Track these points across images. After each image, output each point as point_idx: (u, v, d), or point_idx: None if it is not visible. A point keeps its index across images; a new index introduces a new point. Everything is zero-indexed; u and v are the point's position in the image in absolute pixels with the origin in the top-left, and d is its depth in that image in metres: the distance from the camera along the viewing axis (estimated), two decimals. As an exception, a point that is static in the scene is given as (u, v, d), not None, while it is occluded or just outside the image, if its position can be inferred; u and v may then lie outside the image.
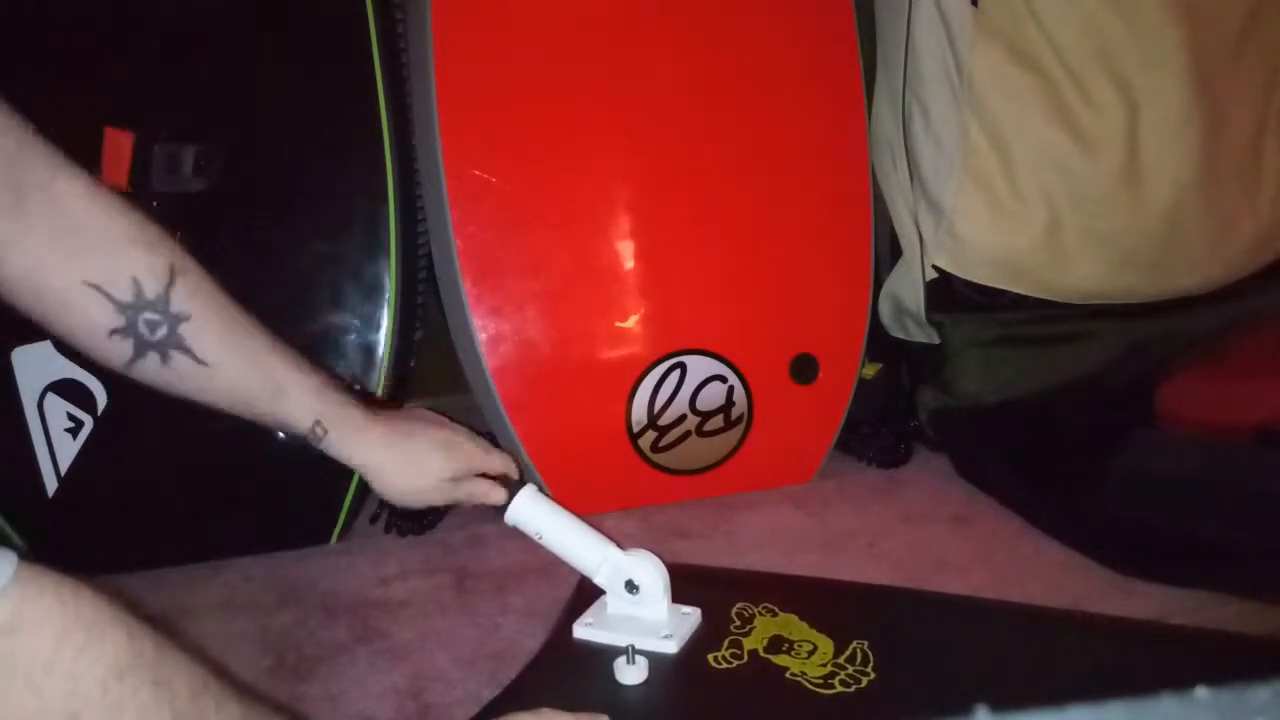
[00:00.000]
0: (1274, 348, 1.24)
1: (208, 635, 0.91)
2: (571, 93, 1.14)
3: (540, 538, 0.80)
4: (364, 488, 1.09)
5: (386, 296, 1.08)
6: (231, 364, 0.69)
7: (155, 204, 0.93)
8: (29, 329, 0.98)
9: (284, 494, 1.07)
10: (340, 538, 1.09)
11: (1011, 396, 1.24)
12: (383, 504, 1.13)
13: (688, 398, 1.15)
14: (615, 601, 0.79)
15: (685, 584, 0.79)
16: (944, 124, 1.21)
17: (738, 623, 0.78)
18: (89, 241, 0.62)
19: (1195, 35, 1.20)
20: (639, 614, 0.77)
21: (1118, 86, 1.19)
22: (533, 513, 0.79)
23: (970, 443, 1.25)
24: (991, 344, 1.26)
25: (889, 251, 1.31)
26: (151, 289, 0.65)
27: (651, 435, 1.14)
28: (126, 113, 1.03)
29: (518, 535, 1.09)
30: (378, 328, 1.08)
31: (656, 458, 1.15)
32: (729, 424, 1.17)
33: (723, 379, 1.16)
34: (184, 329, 0.67)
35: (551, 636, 0.80)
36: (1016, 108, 1.20)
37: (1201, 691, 0.24)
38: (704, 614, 0.78)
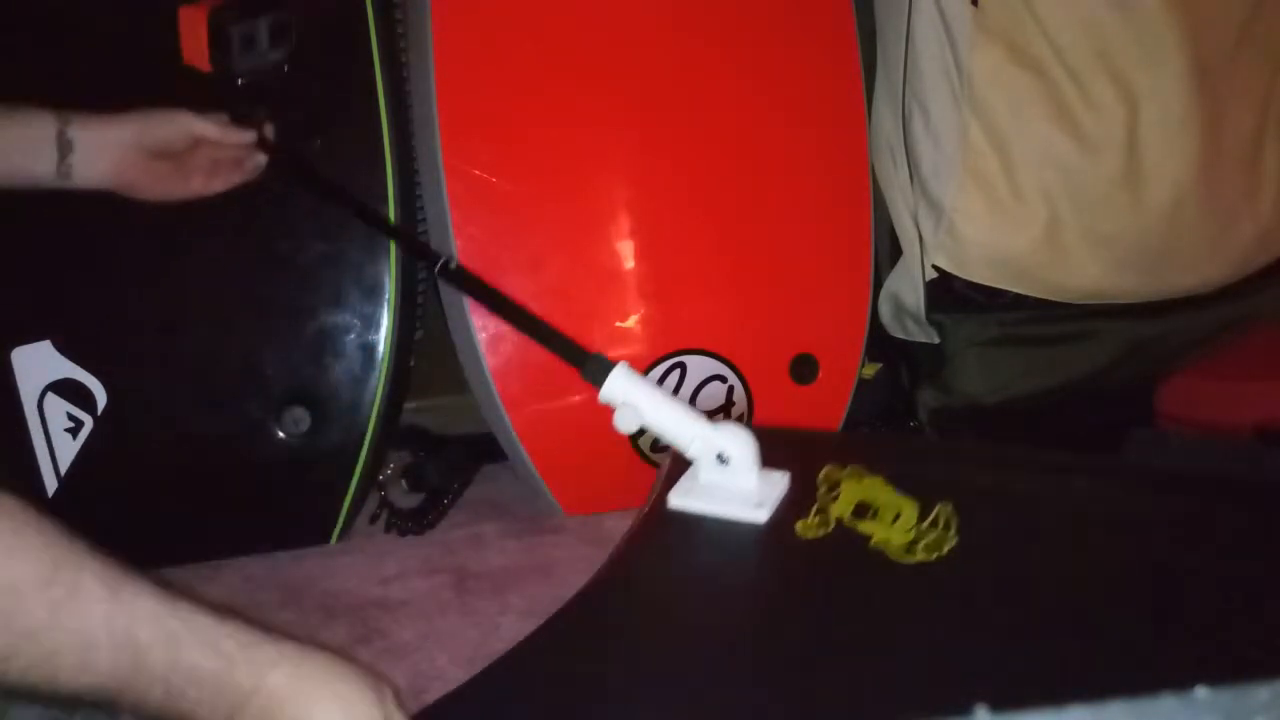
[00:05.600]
0: (1274, 348, 1.24)
1: (207, 635, 0.91)
2: (571, 93, 1.14)
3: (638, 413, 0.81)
4: (364, 488, 1.09)
5: (386, 296, 1.08)
6: None
7: (240, 82, 0.94)
8: (29, 328, 0.99)
9: (284, 494, 1.07)
10: (340, 538, 1.09)
11: (1011, 396, 1.24)
12: (382, 504, 1.13)
13: (687, 398, 1.15)
14: (707, 472, 0.80)
15: (775, 448, 0.80)
16: (944, 124, 1.21)
17: (825, 488, 0.79)
18: None
19: (1195, 35, 1.19)
20: (730, 483, 0.79)
21: (1118, 86, 1.19)
22: (627, 389, 0.81)
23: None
24: (991, 344, 1.25)
25: (889, 251, 1.31)
26: None
27: (652, 435, 1.14)
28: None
29: (518, 535, 1.10)
30: (378, 328, 1.08)
31: (657, 457, 1.15)
32: (729, 424, 1.17)
33: (722, 379, 1.16)
34: None
35: (649, 508, 0.82)
36: (1016, 108, 1.19)
37: (1201, 691, 0.24)
38: (792, 478, 0.80)
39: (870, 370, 1.31)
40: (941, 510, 0.74)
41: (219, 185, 0.93)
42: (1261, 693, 0.25)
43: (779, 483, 0.80)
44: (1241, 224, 1.27)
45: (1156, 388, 1.18)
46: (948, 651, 0.62)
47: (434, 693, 0.81)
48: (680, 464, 0.84)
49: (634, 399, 0.81)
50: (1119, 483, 0.85)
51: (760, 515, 0.76)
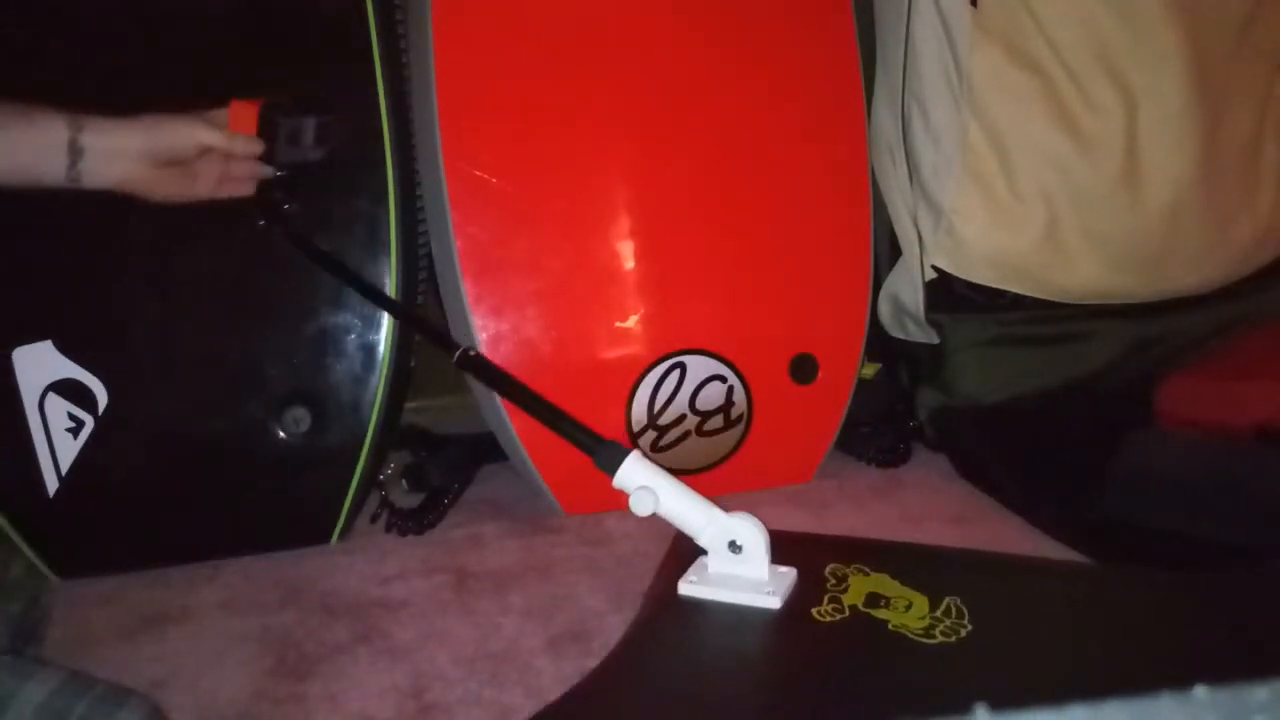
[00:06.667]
0: (1274, 348, 1.24)
1: (208, 635, 0.91)
2: (572, 93, 1.14)
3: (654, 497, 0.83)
4: (364, 488, 1.09)
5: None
6: None
7: (279, 174, 0.98)
8: (29, 329, 0.99)
9: (284, 494, 1.07)
10: (340, 538, 1.09)
11: (1011, 396, 1.24)
12: (383, 504, 1.13)
13: (687, 398, 1.15)
14: (717, 561, 0.83)
15: (778, 548, 0.83)
16: (943, 124, 1.21)
17: (833, 581, 0.82)
18: None
19: (1194, 35, 1.20)
20: (740, 572, 0.82)
21: (1117, 86, 1.19)
22: (642, 476, 0.83)
23: (970, 443, 1.24)
24: (991, 344, 1.26)
25: (889, 251, 1.31)
26: None
27: (651, 435, 1.14)
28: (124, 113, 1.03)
29: (518, 535, 1.10)
30: (378, 328, 1.08)
31: (656, 457, 1.14)
32: (729, 424, 1.17)
33: (722, 379, 1.16)
34: None
35: (653, 594, 0.84)
36: (1016, 108, 1.20)
37: (1201, 691, 0.24)
38: (799, 574, 0.82)
39: (870, 370, 1.31)
40: (951, 602, 0.77)
41: (224, 193, 0.95)
42: (1260, 693, 0.25)
43: (787, 576, 0.82)
44: (1240, 224, 1.28)
45: (1156, 388, 1.18)
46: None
47: (434, 693, 0.81)
48: (682, 552, 0.85)
49: (648, 485, 0.82)
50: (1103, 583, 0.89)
51: (773, 602, 0.79)
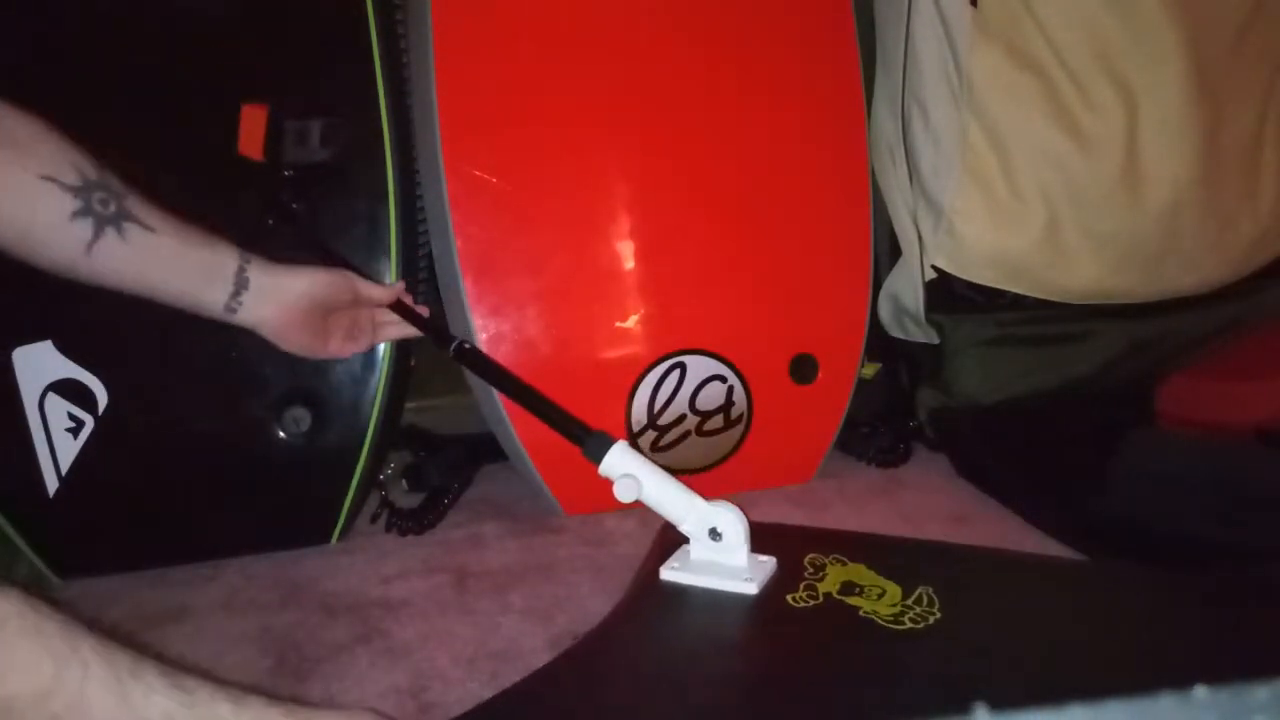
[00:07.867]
0: (1274, 348, 1.24)
1: (208, 635, 0.91)
2: (572, 93, 1.14)
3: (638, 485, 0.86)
4: (364, 488, 1.09)
5: (387, 296, 1.08)
6: (169, 226, 0.78)
7: (288, 174, 1.02)
8: (30, 329, 0.99)
9: (284, 494, 1.07)
10: (340, 538, 1.09)
11: (1011, 396, 1.24)
12: (383, 504, 1.13)
13: (687, 397, 1.15)
14: (698, 548, 0.86)
15: (760, 538, 0.86)
16: (943, 124, 1.21)
17: (810, 570, 0.85)
18: (28, 145, 0.71)
19: (1195, 35, 1.20)
20: (720, 560, 0.85)
21: (1117, 86, 1.19)
22: (627, 466, 0.86)
23: (970, 443, 1.25)
24: (991, 344, 1.26)
25: (889, 251, 1.31)
26: (92, 172, 0.73)
27: (651, 435, 1.14)
28: (124, 112, 1.03)
29: (518, 535, 1.10)
30: (378, 328, 1.08)
31: (656, 457, 1.15)
32: (728, 424, 1.17)
33: (722, 379, 1.16)
34: (128, 202, 0.76)
35: (638, 580, 0.87)
36: (1016, 108, 1.20)
37: (1201, 691, 0.24)
38: (779, 563, 0.85)
39: (870, 370, 1.31)
40: (924, 591, 0.80)
41: (350, 350, 0.99)
42: (1260, 692, 0.25)
43: (766, 564, 0.85)
44: (1241, 224, 1.28)
45: (1156, 388, 1.18)
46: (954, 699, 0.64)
47: (434, 693, 0.81)
48: (668, 541, 0.88)
49: (632, 473, 0.85)
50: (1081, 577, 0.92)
51: (750, 588, 0.81)
